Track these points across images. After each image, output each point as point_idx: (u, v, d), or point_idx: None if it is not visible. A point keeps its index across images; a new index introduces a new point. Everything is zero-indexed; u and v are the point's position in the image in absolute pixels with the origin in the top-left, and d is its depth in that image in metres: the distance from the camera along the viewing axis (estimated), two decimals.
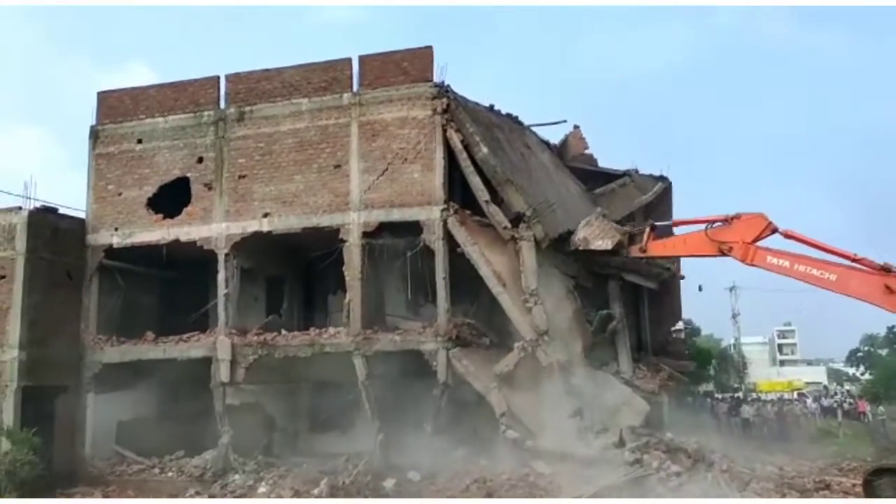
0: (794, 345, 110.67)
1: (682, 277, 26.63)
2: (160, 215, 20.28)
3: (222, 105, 20.53)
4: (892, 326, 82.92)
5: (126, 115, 21.22)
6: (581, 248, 18.82)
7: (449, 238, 18.27)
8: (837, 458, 21.77)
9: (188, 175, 20.35)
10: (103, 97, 21.63)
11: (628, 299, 21.98)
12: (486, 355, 18.30)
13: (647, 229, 18.10)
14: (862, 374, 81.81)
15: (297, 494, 16.00)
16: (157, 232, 20.17)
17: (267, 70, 20.39)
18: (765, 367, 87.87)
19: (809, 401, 46.83)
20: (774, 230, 15.89)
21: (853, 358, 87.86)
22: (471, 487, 15.95)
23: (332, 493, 15.88)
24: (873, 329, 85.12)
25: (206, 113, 20.55)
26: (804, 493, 15.37)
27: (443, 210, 18.25)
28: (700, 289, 31.50)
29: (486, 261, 18.30)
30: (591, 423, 17.54)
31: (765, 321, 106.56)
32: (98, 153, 21.20)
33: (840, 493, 15.25)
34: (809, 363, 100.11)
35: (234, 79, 20.63)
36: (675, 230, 18.94)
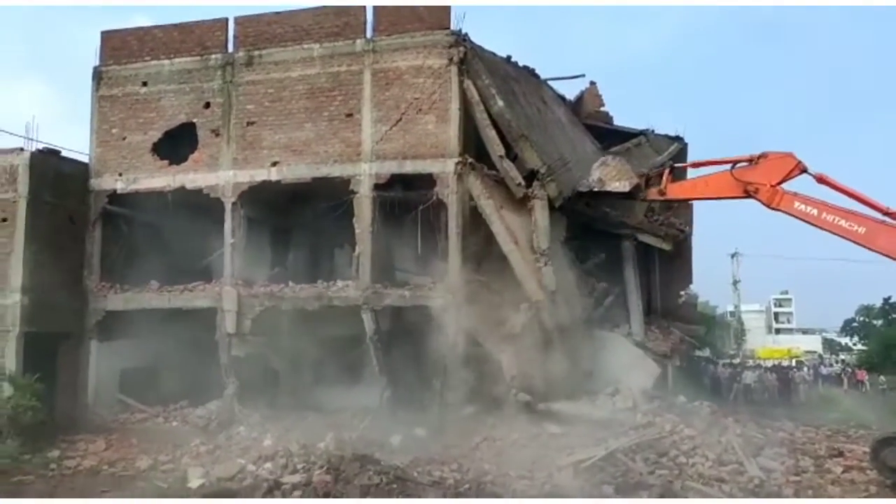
0: (791, 313, 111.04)
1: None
2: (165, 161, 19.80)
3: (230, 49, 19.90)
4: (888, 298, 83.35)
5: (131, 56, 20.56)
6: (596, 189, 17.91)
7: (463, 192, 17.80)
8: (842, 426, 21.67)
9: (194, 120, 19.80)
10: (107, 37, 20.91)
11: (640, 261, 21.60)
12: (497, 313, 17.97)
13: (667, 171, 17.13)
14: (855, 344, 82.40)
15: (303, 447, 15.80)
16: (163, 178, 19.69)
17: (277, 13, 19.70)
18: (760, 335, 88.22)
19: (807, 369, 47.01)
20: (804, 170, 15.02)
21: (848, 328, 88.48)
22: (480, 446, 15.77)
23: (339, 447, 15.69)
24: (869, 300, 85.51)
25: (213, 56, 19.90)
26: (817, 458, 15.21)
27: (457, 163, 17.75)
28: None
29: (500, 217, 17.90)
30: (602, 385, 17.36)
31: (762, 289, 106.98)
32: (101, 95, 20.57)
33: (854, 459, 15.06)
34: (805, 332, 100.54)
35: (242, 21, 19.93)
36: (697, 174, 18.05)
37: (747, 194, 15.33)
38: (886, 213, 14.32)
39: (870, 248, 14.33)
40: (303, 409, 18.56)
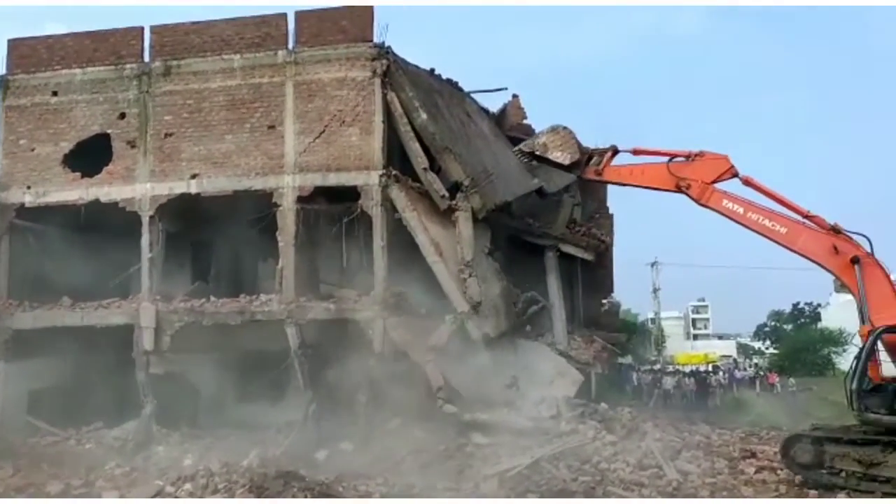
0: (707, 320, 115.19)
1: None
2: (78, 174, 19.08)
3: (146, 58, 19.36)
4: (797, 303, 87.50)
5: (40, 65, 19.77)
6: (538, 153, 17.84)
7: (387, 204, 17.81)
8: (755, 427, 22.57)
9: (109, 131, 19.20)
10: (14, 45, 20.05)
11: (563, 271, 22.05)
12: (423, 325, 18.05)
13: (609, 153, 17.22)
14: (767, 348, 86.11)
15: (224, 466, 15.41)
16: (75, 191, 18.99)
17: (196, 23, 19.32)
18: (679, 341, 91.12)
19: (722, 373, 48.76)
20: (735, 174, 15.52)
21: (760, 333, 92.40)
22: (406, 459, 15.72)
23: (263, 464, 15.38)
24: (779, 306, 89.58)
25: (128, 66, 19.35)
26: (731, 460, 15.78)
27: (381, 175, 17.76)
28: None
29: (424, 229, 18.01)
30: (527, 394, 17.59)
31: (680, 297, 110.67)
32: (8, 105, 19.73)
33: (765, 459, 15.70)
34: (720, 337, 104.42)
35: (159, 30, 19.44)
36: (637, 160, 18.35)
37: (679, 189, 15.72)
38: (807, 216, 14.87)
39: (790, 248, 14.86)
40: (225, 427, 18.13)
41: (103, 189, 18.90)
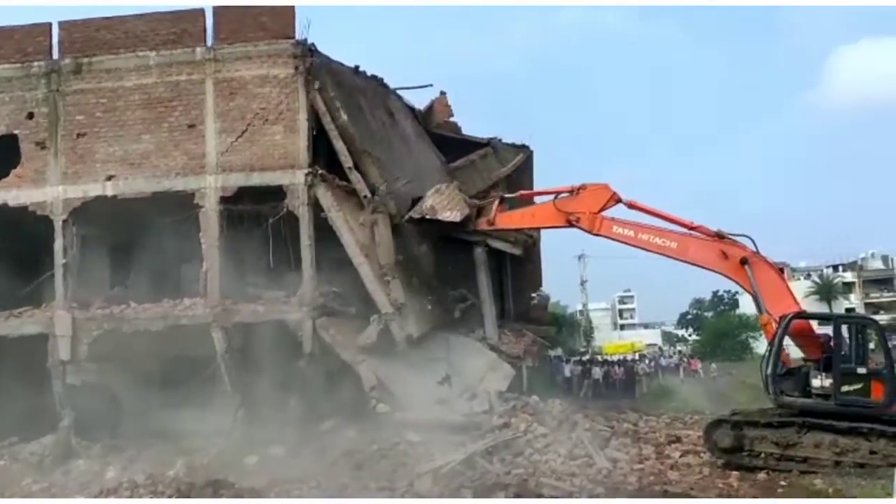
0: (633, 310, 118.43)
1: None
2: None
3: (55, 55, 18.55)
4: (717, 291, 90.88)
5: None
6: (428, 216, 18.22)
7: (314, 203, 17.57)
8: (680, 413, 23.27)
9: (16, 132, 18.34)
10: None
11: (492, 266, 22.18)
12: (353, 325, 17.91)
13: (496, 202, 17.93)
14: (690, 335, 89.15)
15: (150, 477, 14.94)
16: None
17: (107, 18, 18.68)
18: (607, 331, 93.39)
19: (648, 361, 50.17)
20: (618, 200, 16.25)
21: (683, 321, 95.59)
22: (339, 460, 15.55)
23: (190, 474, 14.98)
24: (700, 294, 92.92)
25: (35, 64, 18.53)
26: (658, 446, 16.20)
27: (307, 174, 17.52)
28: None
29: (350, 229, 17.89)
30: (459, 390, 17.67)
31: (606, 288, 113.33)
32: None
33: (689, 444, 16.20)
34: (646, 326, 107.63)
35: (68, 26, 18.68)
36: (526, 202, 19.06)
37: (570, 223, 16.39)
38: (691, 228, 15.73)
39: (683, 260, 15.75)
40: (149, 437, 17.55)
41: (11, 193, 18.08)
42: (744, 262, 15.05)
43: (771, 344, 14.39)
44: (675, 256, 15.74)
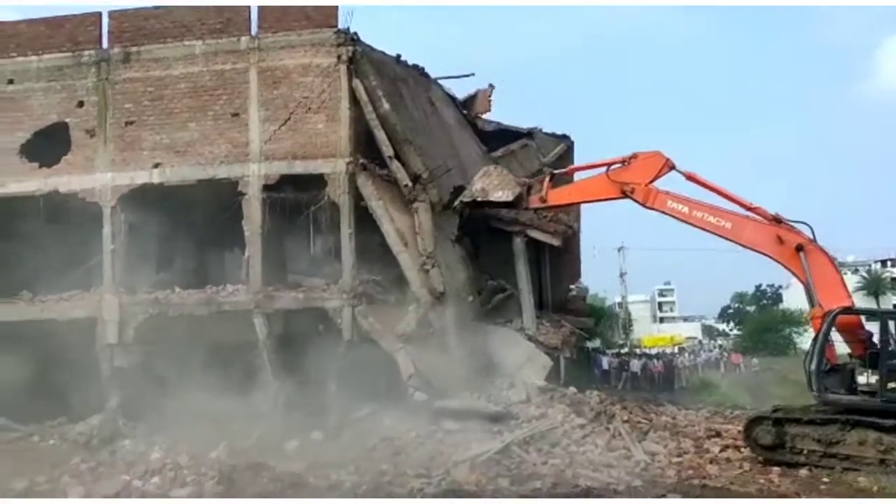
0: (673, 303, 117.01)
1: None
2: (36, 164, 18.61)
3: (105, 45, 18.95)
4: (759, 285, 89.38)
5: None
6: (479, 199, 17.72)
7: (355, 192, 17.70)
8: (720, 407, 23.02)
9: (67, 120, 18.76)
10: None
11: (531, 256, 22.16)
12: (392, 313, 18.04)
13: (547, 178, 17.32)
14: (731, 329, 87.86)
15: (193, 459, 15.28)
16: (33, 182, 18.55)
17: (156, 7, 18.99)
18: (646, 324, 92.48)
19: (687, 354, 49.64)
20: (672, 167, 15.68)
21: (724, 314, 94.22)
22: (377, 446, 15.72)
23: (232, 456, 15.28)
24: (742, 288, 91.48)
25: (86, 53, 18.93)
26: (697, 440, 16.05)
27: (348, 163, 17.65)
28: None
29: (390, 218, 18.00)
30: (496, 380, 17.70)
31: (646, 280, 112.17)
32: None
33: (729, 438, 16.01)
34: (686, 320, 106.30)
35: (117, 16, 19.06)
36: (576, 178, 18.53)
37: (624, 194, 15.79)
38: (749, 209, 15.13)
39: (737, 242, 15.12)
40: (193, 419, 17.90)
41: (62, 179, 18.51)
42: (799, 248, 14.45)
43: (815, 339, 14.09)
44: (728, 237, 15.16)
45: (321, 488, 13.49)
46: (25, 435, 17.87)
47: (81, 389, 18.07)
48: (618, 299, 72.55)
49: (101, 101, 18.60)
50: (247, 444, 16.12)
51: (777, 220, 14.88)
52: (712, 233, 15.24)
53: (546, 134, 26.10)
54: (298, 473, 14.02)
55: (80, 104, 18.75)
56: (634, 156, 15.87)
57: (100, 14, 19.05)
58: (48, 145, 18.62)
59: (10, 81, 19.05)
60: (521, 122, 26.05)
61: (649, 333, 77.98)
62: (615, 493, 12.61)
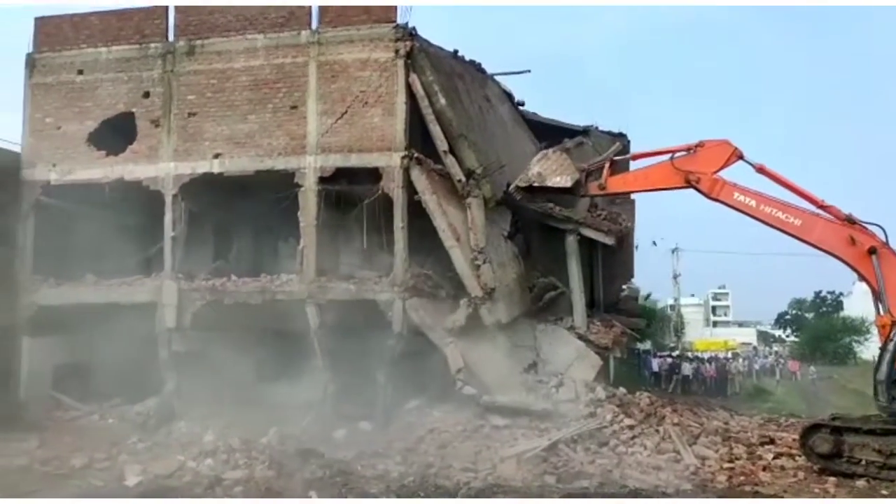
0: (727, 307, 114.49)
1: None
2: (102, 152, 19.24)
3: (171, 37, 19.42)
4: (819, 291, 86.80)
5: (66, 43, 19.90)
6: (536, 184, 16.91)
7: (408, 186, 17.82)
8: (774, 414, 22.52)
9: (133, 110, 19.29)
10: (41, 23, 20.20)
11: (583, 255, 21.96)
12: (443, 307, 18.10)
13: (607, 164, 16.54)
14: (788, 336, 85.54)
15: (244, 443, 15.62)
16: (100, 169, 19.13)
17: (220, 2, 19.29)
18: (699, 328, 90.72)
19: (742, 360, 48.54)
20: (740, 157, 15.07)
21: (781, 320, 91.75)
22: (425, 438, 15.85)
23: (282, 442, 15.60)
24: (801, 294, 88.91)
25: (153, 45, 19.41)
26: (750, 446, 15.74)
27: (403, 157, 17.74)
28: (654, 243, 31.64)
29: (443, 212, 18.00)
30: (545, 377, 17.63)
31: (700, 283, 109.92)
32: (35, 83, 19.89)
33: (783, 446, 15.65)
34: (740, 325, 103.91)
35: (183, 9, 19.48)
36: (636, 166, 17.81)
37: (688, 184, 15.20)
38: (821, 207, 14.52)
39: (805, 241, 14.51)
40: (245, 404, 18.32)
41: (127, 167, 19.06)
42: (872, 251, 13.88)
43: (884, 348, 13.60)
44: (797, 235, 14.53)
45: (368, 477, 13.69)
46: (86, 413, 18.51)
47: (140, 371, 18.64)
48: (670, 301, 71.38)
49: (166, 93, 19.08)
50: (297, 430, 16.42)
51: (849, 221, 14.26)
52: (780, 229, 14.60)
53: (602, 132, 25.80)
54: (347, 461, 14.25)
55: (146, 95, 19.26)
56: (701, 144, 15.27)
57: (166, 8, 19.54)
58: (115, 134, 19.21)
59: (80, 72, 19.69)
60: (576, 120, 25.82)
61: (702, 337, 76.52)
62: (663, 496, 12.48)
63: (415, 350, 17.88)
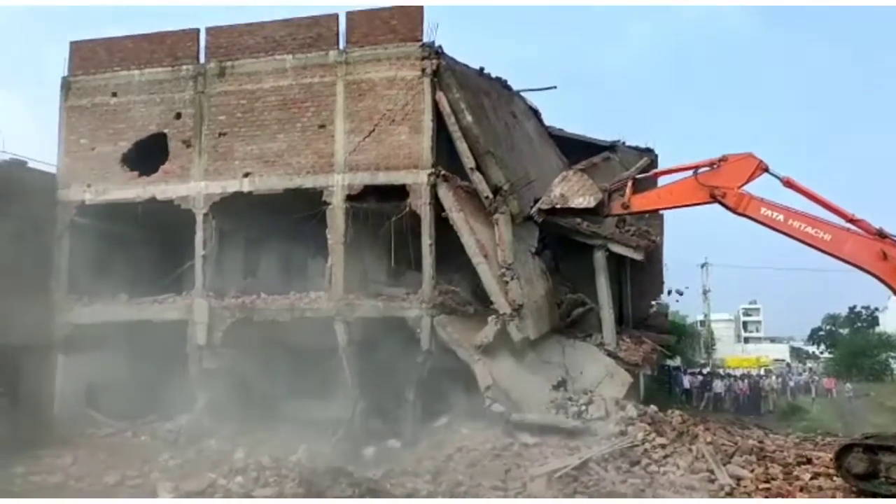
0: (759, 322, 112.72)
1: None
2: (135, 172, 19.60)
3: (202, 59, 19.82)
4: (854, 307, 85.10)
5: (100, 66, 20.37)
6: (559, 206, 16.63)
7: (435, 203, 17.87)
8: (810, 433, 22.03)
9: (165, 131, 19.67)
10: (76, 47, 20.72)
11: (612, 270, 21.80)
12: (471, 324, 18.05)
13: (630, 183, 16.24)
14: (822, 352, 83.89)
15: (275, 461, 15.66)
16: (133, 190, 19.49)
17: (249, 24, 19.65)
18: (730, 344, 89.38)
19: (775, 377, 47.69)
20: (765, 169, 14.64)
21: (815, 336, 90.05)
22: (454, 456, 15.74)
23: (312, 459, 15.59)
24: (835, 309, 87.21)
25: (184, 67, 19.80)
26: (786, 466, 15.40)
27: (430, 174, 17.82)
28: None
29: (470, 229, 18.03)
30: (575, 395, 17.46)
31: (731, 299, 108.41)
32: (70, 105, 20.37)
33: (821, 466, 15.29)
34: (773, 340, 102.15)
35: (214, 32, 19.85)
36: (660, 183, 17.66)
37: (714, 199, 14.84)
38: (851, 221, 14.08)
39: (835, 256, 14.09)
40: (275, 422, 18.41)
41: (160, 187, 19.37)
42: None
43: None
44: (826, 250, 14.04)
45: (398, 496, 13.62)
46: (119, 430, 18.70)
47: (171, 389, 18.81)
48: (700, 317, 70.42)
49: (198, 114, 19.42)
50: (326, 448, 16.42)
51: (881, 235, 13.78)
52: (809, 245, 14.14)
53: (629, 147, 25.67)
54: (376, 480, 14.20)
55: (178, 116, 19.63)
56: (724, 158, 14.86)
57: (198, 30, 19.93)
58: (147, 155, 19.54)
59: (114, 94, 20.13)
60: (602, 135, 25.69)
61: (733, 354, 75.35)
62: None
63: (443, 367, 17.84)
